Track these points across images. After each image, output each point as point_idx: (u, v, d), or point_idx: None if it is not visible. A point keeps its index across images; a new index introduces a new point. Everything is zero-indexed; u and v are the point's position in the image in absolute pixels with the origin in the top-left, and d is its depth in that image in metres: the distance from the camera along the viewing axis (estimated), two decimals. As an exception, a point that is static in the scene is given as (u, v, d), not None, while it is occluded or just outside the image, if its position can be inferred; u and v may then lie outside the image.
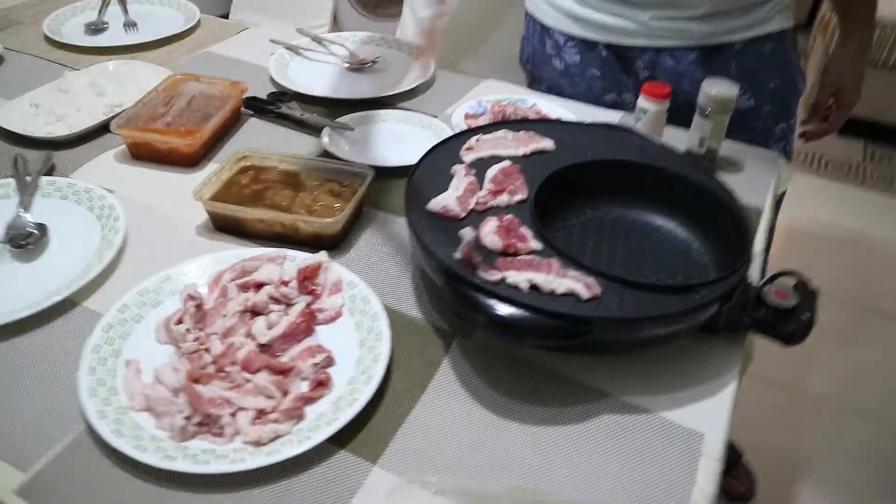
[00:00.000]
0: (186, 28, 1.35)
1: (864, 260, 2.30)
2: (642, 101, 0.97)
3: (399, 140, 1.04)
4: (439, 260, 0.67)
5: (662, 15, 1.05)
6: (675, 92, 0.97)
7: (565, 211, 0.81)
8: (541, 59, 1.21)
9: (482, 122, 1.03)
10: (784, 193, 1.02)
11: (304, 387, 0.65)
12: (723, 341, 0.72)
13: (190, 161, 0.97)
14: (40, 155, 0.95)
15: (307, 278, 0.74)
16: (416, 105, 1.14)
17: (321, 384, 0.64)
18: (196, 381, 0.63)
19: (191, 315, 0.70)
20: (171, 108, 1.02)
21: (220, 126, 1.01)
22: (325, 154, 0.99)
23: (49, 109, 1.04)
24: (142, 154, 0.97)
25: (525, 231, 0.71)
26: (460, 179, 0.78)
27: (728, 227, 0.74)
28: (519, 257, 0.67)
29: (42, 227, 0.83)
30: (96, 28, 1.35)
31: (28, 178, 0.90)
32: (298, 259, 0.77)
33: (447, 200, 0.75)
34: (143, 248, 0.82)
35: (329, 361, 0.67)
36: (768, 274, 0.73)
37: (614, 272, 0.66)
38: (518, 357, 0.70)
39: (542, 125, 0.90)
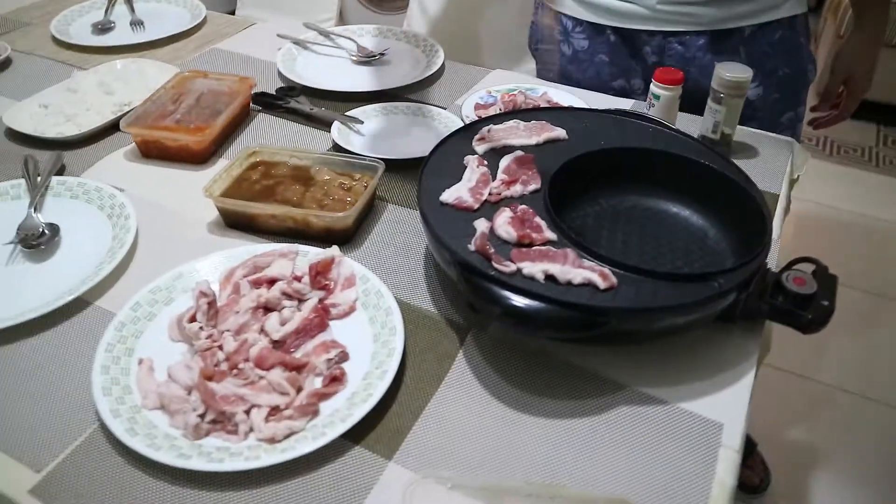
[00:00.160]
0: (193, 25, 1.35)
1: (878, 245, 2.26)
2: (655, 88, 0.95)
3: (409, 132, 1.03)
4: (453, 252, 0.66)
5: None
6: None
7: (579, 200, 0.80)
8: (549, 45, 1.20)
9: (492, 112, 1.02)
10: (798, 179, 1.01)
11: (318, 383, 0.64)
12: (740, 330, 0.71)
13: (200, 158, 0.97)
14: (51, 155, 0.95)
15: (320, 273, 0.74)
16: (426, 97, 1.13)
17: (335, 380, 0.64)
18: (209, 378, 0.63)
19: (203, 312, 0.69)
20: (179, 105, 1.02)
21: (229, 122, 1.01)
22: (335, 148, 0.98)
23: (58, 109, 1.04)
24: (151, 152, 0.97)
25: (539, 221, 0.70)
26: (473, 170, 0.77)
27: (745, 212, 0.73)
28: (534, 248, 0.66)
29: (53, 227, 0.83)
30: (103, 27, 1.35)
31: (39, 179, 0.90)
32: (310, 254, 0.77)
33: (460, 192, 0.74)
34: (155, 246, 0.82)
35: (343, 357, 0.67)
36: (781, 261, 0.72)
37: (630, 261, 0.65)
38: (533, 350, 0.70)
39: (554, 114, 0.89)
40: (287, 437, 0.59)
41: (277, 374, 0.63)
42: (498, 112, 0.99)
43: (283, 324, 0.69)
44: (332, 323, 0.71)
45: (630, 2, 1.06)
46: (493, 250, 0.65)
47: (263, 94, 1.10)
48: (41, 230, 0.82)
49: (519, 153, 0.80)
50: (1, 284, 0.76)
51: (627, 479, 0.59)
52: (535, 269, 0.63)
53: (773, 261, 0.78)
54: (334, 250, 0.76)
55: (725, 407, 0.64)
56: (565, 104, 1.05)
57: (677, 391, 0.66)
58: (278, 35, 1.29)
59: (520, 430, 0.62)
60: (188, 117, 0.99)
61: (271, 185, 0.87)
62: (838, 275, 0.70)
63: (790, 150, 1.00)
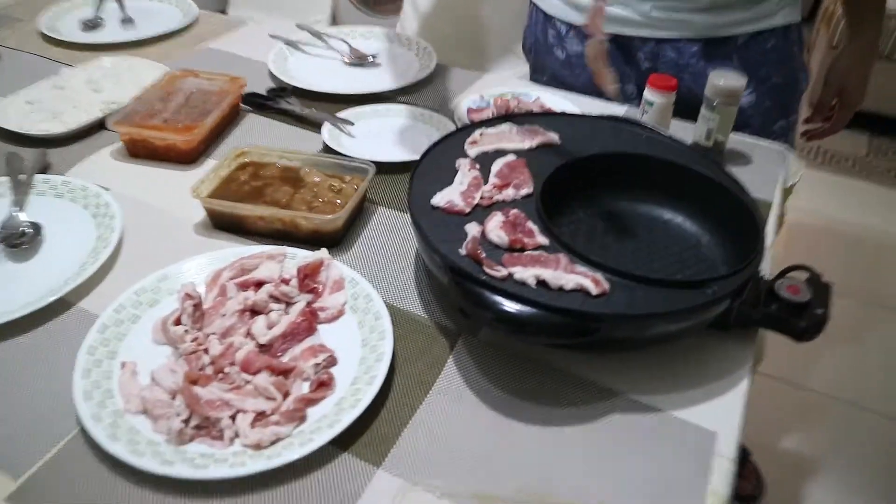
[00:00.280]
0: (184, 24, 1.34)
1: (869, 255, 2.27)
2: (648, 94, 0.95)
3: (401, 135, 1.02)
4: (444, 256, 0.65)
5: (665, 5, 1.03)
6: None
7: (572, 205, 0.79)
8: (543, 49, 1.20)
9: (485, 116, 1.01)
10: (793, 187, 1.00)
11: (305, 388, 0.63)
12: (734, 338, 0.70)
13: (188, 158, 0.95)
14: (35, 153, 0.93)
15: (308, 276, 0.73)
16: (418, 100, 1.12)
17: (323, 385, 0.63)
18: (194, 382, 0.62)
19: (189, 315, 0.68)
20: (168, 104, 1.00)
21: (218, 122, 1.00)
22: (326, 150, 0.97)
23: (45, 106, 1.02)
24: (139, 151, 0.96)
25: (532, 226, 0.69)
26: (465, 174, 0.76)
27: (738, 220, 0.73)
28: (526, 253, 0.66)
29: (37, 227, 0.81)
30: (93, 24, 1.33)
31: (22, 177, 0.88)
32: (299, 257, 0.76)
33: (451, 195, 0.73)
34: (140, 247, 0.81)
35: (331, 361, 0.66)
36: (773, 270, 0.72)
37: (623, 267, 0.64)
38: (524, 355, 0.69)
39: (547, 119, 0.88)
40: (273, 443, 0.58)
41: (264, 379, 0.62)
42: (491, 116, 0.99)
43: (270, 327, 0.68)
44: (320, 327, 0.70)
45: (624, 7, 1.06)
46: (484, 255, 0.65)
47: (254, 94, 1.09)
48: (24, 229, 0.81)
49: (511, 157, 0.79)
50: (-18, 284, 0.75)
51: (620, 489, 0.58)
52: (526, 274, 0.63)
53: (766, 269, 0.77)
54: (323, 253, 0.75)
55: (719, 415, 0.64)
56: (559, 109, 1.05)
57: (670, 399, 0.65)
58: (270, 35, 1.28)
59: (511, 438, 0.61)
60: (177, 116, 0.98)
61: (260, 186, 0.86)
62: (830, 282, 0.70)
63: (783, 158, 0.99)
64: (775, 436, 1.66)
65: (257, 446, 0.58)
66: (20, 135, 0.97)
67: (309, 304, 0.71)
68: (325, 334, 0.69)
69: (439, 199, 0.73)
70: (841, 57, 1.13)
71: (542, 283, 0.62)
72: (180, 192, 0.85)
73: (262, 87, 1.13)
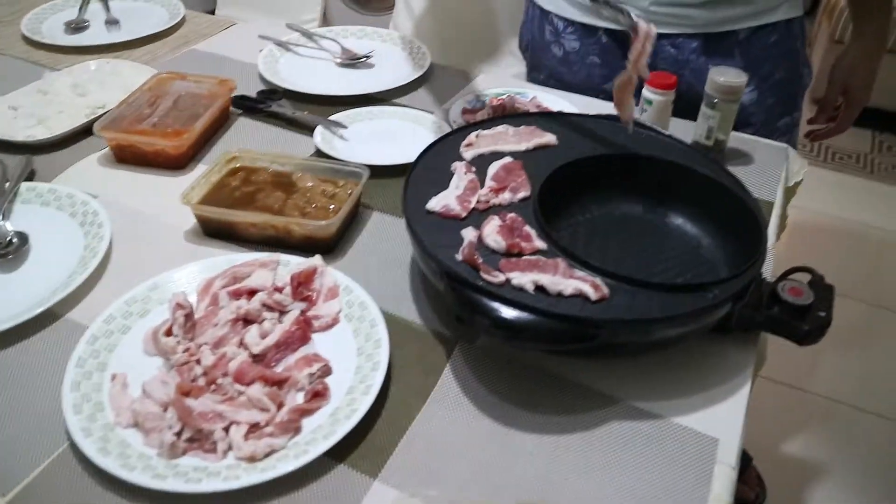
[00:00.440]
0: (171, 25, 1.33)
1: (873, 254, 2.23)
2: (647, 92, 0.94)
3: (395, 137, 1.01)
4: (440, 262, 0.64)
5: (663, 0, 1.02)
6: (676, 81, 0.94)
7: (570, 208, 0.78)
8: (540, 46, 1.19)
9: (480, 117, 1.00)
10: (797, 186, 0.99)
11: (299, 398, 0.62)
12: (735, 342, 0.69)
13: (177, 163, 0.94)
14: (20, 159, 0.92)
15: (301, 284, 0.71)
16: (412, 101, 1.11)
17: (318, 395, 0.62)
18: (186, 394, 0.60)
19: (180, 325, 0.67)
20: (156, 108, 0.99)
21: (208, 126, 0.98)
22: (318, 153, 0.96)
23: (29, 112, 1.01)
24: (126, 157, 0.95)
25: (529, 230, 0.68)
26: (460, 177, 0.75)
27: (740, 221, 0.72)
28: (523, 258, 0.65)
29: (22, 236, 0.80)
30: (77, 26, 1.32)
31: (7, 184, 0.86)
32: (292, 264, 0.75)
33: (447, 199, 0.72)
34: (129, 256, 0.80)
35: (326, 371, 0.65)
36: (775, 269, 0.71)
37: (622, 271, 0.63)
38: (522, 362, 0.68)
39: (544, 119, 0.87)
40: (267, 455, 0.57)
41: (257, 390, 0.61)
42: (486, 117, 0.98)
43: (263, 337, 0.67)
44: (314, 336, 0.69)
45: (622, 3, 1.05)
46: (481, 260, 0.64)
47: (244, 97, 1.08)
48: (9, 239, 0.79)
49: (508, 159, 0.78)
50: (-34, 296, 0.74)
51: (621, 497, 0.57)
52: (524, 279, 0.62)
53: (768, 270, 0.77)
54: (317, 260, 0.74)
55: (721, 422, 0.63)
56: (556, 109, 1.04)
57: (671, 405, 0.64)
58: (260, 36, 1.27)
59: (509, 447, 0.60)
60: (165, 121, 0.96)
61: (251, 191, 0.85)
62: (832, 284, 0.69)
63: (785, 157, 0.99)
64: (777, 440, 1.64)
65: (251, 459, 0.57)
66: (4, 141, 0.95)
67: (303, 312, 0.70)
68: (320, 343, 0.68)
69: (435, 204, 0.72)
70: (846, 53, 1.10)
71: (540, 288, 0.61)
72: (170, 199, 0.84)
73: (252, 89, 1.12)
